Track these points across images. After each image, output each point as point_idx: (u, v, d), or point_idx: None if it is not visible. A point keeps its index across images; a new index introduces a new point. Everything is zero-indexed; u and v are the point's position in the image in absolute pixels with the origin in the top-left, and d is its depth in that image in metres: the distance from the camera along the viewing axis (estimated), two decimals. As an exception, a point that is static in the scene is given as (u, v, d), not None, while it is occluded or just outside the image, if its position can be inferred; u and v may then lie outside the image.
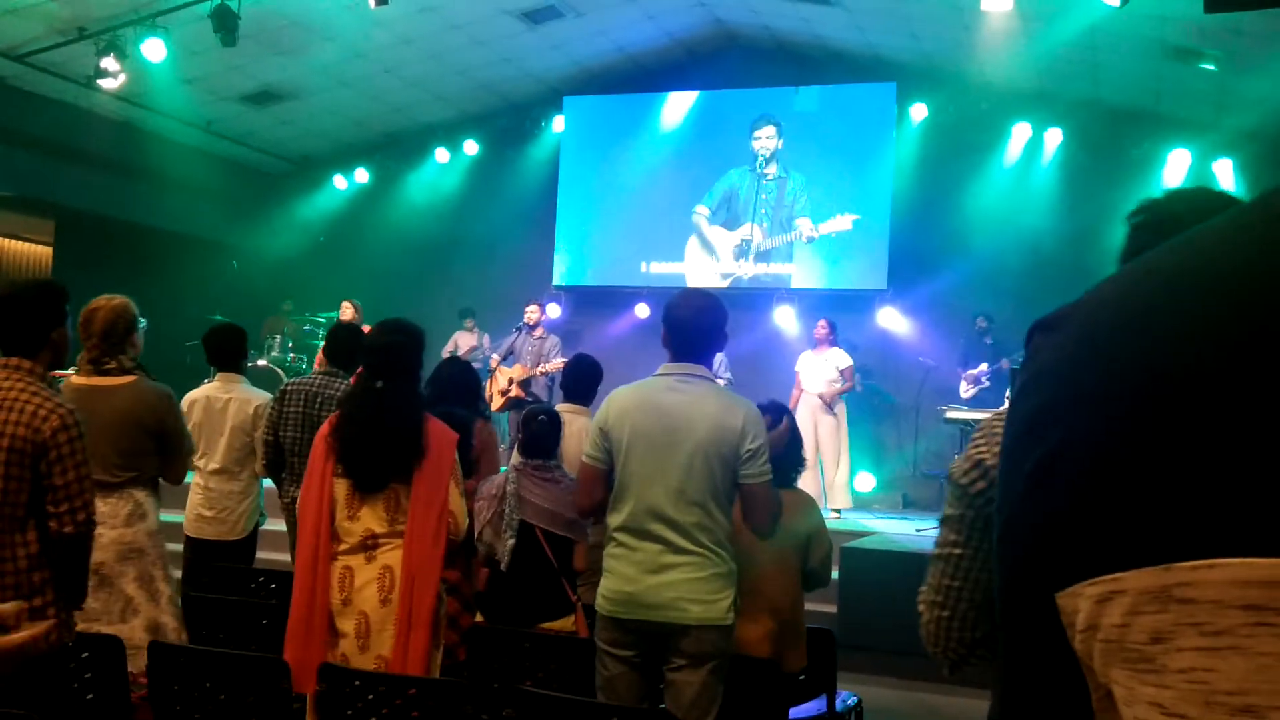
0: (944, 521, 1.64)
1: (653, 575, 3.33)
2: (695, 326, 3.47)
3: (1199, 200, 1.66)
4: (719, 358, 9.51)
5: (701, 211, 12.39)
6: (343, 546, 3.57)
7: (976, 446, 1.61)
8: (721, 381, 9.36)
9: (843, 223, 11.72)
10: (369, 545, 3.55)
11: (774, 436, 3.79)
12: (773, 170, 12.15)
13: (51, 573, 3.14)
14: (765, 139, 12.15)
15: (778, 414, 4.29)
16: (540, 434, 4.36)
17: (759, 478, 3.38)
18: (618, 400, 3.52)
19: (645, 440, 3.38)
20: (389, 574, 3.51)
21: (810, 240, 11.88)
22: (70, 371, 4.57)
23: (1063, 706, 0.63)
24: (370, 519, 3.56)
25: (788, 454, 4.18)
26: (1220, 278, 0.58)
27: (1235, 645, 0.53)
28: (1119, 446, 0.57)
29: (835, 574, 6.97)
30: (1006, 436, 0.68)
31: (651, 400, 3.44)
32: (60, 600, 3.19)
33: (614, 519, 3.44)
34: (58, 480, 3.08)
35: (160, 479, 4.44)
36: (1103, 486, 0.58)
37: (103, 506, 4.07)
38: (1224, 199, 1.66)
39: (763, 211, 12.13)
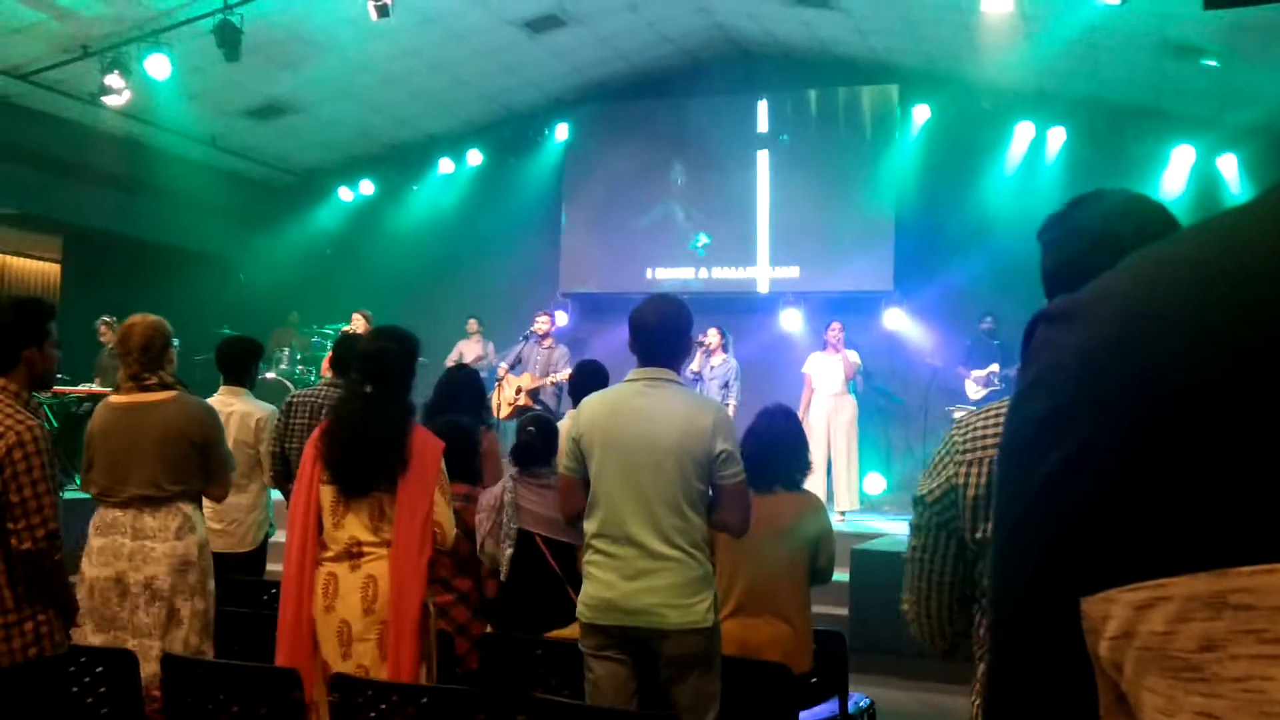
0: (912, 530, 1.76)
1: (630, 581, 3.33)
2: (660, 332, 3.49)
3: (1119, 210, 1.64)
4: (730, 366, 9.46)
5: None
6: (328, 554, 3.59)
7: (944, 461, 1.70)
8: (731, 404, 9.12)
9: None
10: (354, 554, 3.56)
11: None
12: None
13: (24, 589, 3.16)
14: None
15: (786, 418, 4.30)
16: (529, 443, 4.37)
17: (735, 478, 3.40)
18: (588, 409, 3.54)
19: (616, 447, 3.40)
20: (373, 584, 3.53)
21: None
22: (108, 390, 4.57)
23: (1063, 709, 0.62)
24: (355, 526, 3.58)
25: (793, 457, 4.19)
26: (1260, 268, 0.56)
27: None
28: (1163, 449, 0.55)
29: (846, 576, 6.98)
30: (1013, 435, 0.65)
31: (621, 407, 3.47)
32: (39, 614, 3.20)
33: (590, 526, 3.45)
34: (13, 497, 3.09)
35: (204, 495, 4.45)
36: (1144, 490, 0.55)
37: (152, 521, 4.09)
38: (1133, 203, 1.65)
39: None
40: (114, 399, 4.30)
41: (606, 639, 3.40)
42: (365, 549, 3.56)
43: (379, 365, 3.70)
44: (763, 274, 12.13)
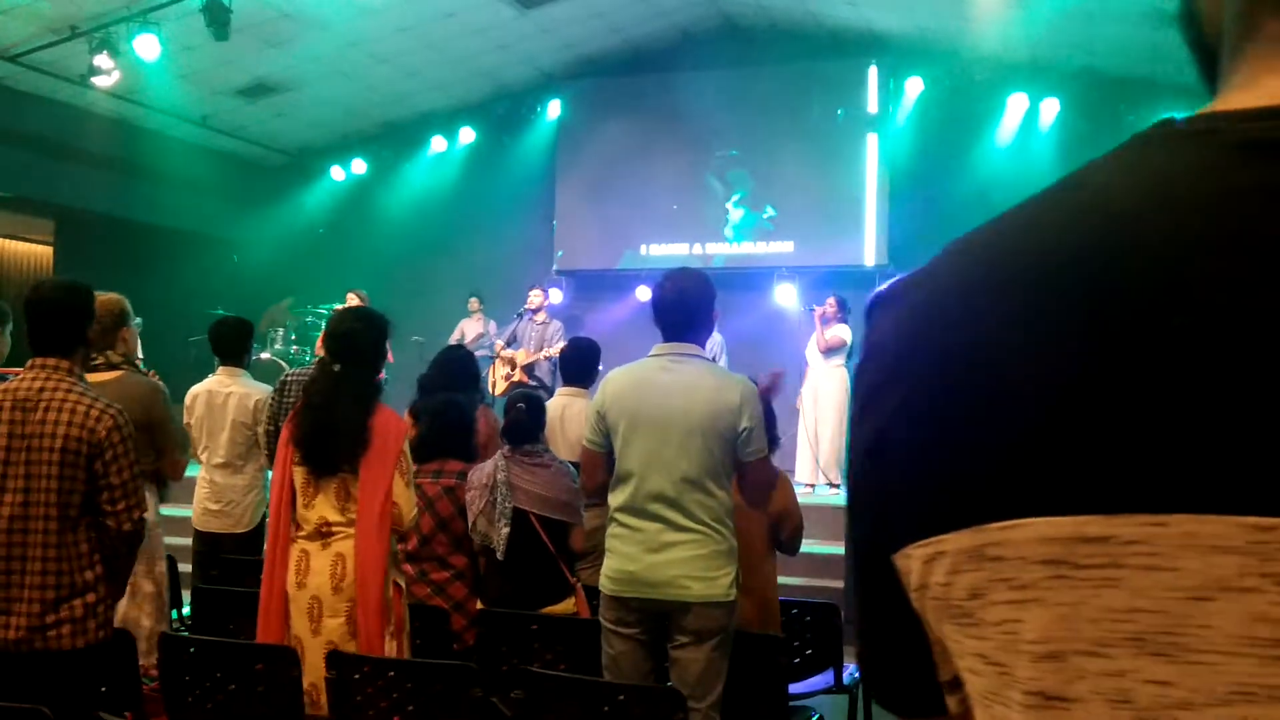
0: None
1: (654, 554, 3.36)
2: (681, 306, 3.50)
3: None
4: (714, 342, 9.46)
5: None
6: (301, 533, 3.64)
7: None
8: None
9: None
10: (324, 533, 3.61)
11: None
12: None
13: (103, 570, 3.17)
14: None
15: None
16: (519, 420, 4.36)
17: (758, 454, 3.44)
18: (613, 383, 3.55)
19: (643, 421, 3.41)
20: (341, 562, 3.57)
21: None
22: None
23: (909, 659, 0.69)
24: (324, 507, 3.62)
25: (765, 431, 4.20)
26: (1009, 261, 0.62)
27: (1037, 598, 0.58)
28: (933, 421, 0.62)
29: (841, 549, 7.00)
30: (850, 410, 0.72)
31: (647, 381, 3.47)
32: (108, 598, 3.23)
33: (615, 500, 3.47)
34: (114, 479, 3.10)
35: (161, 474, 4.45)
36: (922, 458, 0.63)
37: None
38: None
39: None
40: None
41: (627, 612, 3.43)
42: (334, 528, 3.61)
43: (346, 345, 3.73)
44: (756, 248, 12.12)
